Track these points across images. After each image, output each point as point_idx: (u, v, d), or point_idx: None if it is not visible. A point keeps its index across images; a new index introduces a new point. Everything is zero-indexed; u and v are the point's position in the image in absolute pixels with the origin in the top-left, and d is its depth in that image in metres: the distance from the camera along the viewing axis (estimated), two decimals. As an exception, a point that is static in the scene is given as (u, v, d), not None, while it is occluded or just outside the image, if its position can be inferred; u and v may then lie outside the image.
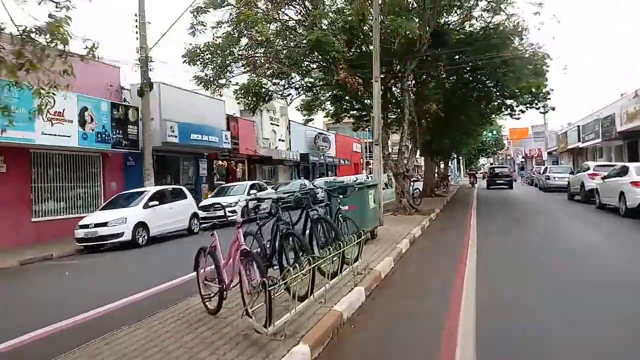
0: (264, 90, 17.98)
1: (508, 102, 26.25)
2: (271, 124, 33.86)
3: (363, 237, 6.97)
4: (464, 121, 27.03)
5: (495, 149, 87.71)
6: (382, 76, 17.01)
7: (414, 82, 19.48)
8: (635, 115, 23.65)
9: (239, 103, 19.39)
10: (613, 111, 27.48)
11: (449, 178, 41.77)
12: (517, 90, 21.04)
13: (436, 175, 32.12)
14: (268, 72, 17.31)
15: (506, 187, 34.67)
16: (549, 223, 14.04)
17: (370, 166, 74.34)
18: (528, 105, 25.43)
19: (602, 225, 13.24)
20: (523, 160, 76.98)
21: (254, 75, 17.76)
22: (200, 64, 16.44)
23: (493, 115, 28.98)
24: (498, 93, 23.08)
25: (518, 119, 28.26)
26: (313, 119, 24.80)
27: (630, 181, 14.23)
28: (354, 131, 24.38)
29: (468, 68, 20.48)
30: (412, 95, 19.38)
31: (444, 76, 19.40)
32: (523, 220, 14.75)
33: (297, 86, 18.45)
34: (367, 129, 25.29)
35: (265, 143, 32.77)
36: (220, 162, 27.80)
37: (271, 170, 34.35)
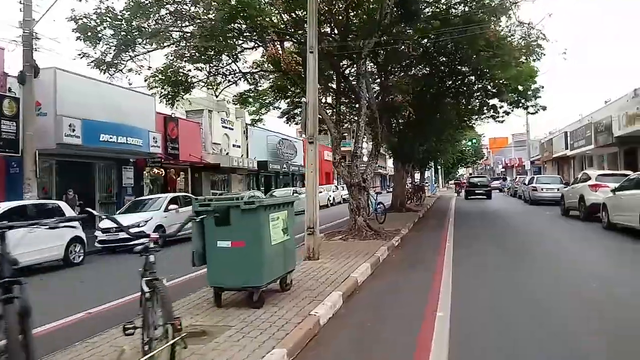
0: (182, 76, 13.96)
1: (491, 102, 22.76)
2: (223, 126, 29.78)
3: (175, 338, 3.00)
4: (440, 123, 23.35)
5: (474, 158, 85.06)
6: (334, 57, 13.20)
7: (376, 69, 15.68)
8: (636, 118, 20.26)
9: (152, 94, 15.31)
10: (609, 114, 24.13)
11: (425, 189, 38.12)
12: (503, 82, 17.40)
13: (410, 185, 28.35)
14: (187, 53, 13.38)
15: (485, 197, 33.99)
16: (556, 257, 10.22)
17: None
18: (514, 105, 21.90)
19: (626, 259, 9.49)
20: (503, 170, 74.19)
21: (171, 58, 13.82)
22: (94, 39, 12.37)
23: (474, 118, 25.38)
24: (480, 85, 19.44)
25: (502, 122, 24.73)
26: (262, 119, 20.82)
27: (659, 195, 10.54)
28: (285, 121, 20.22)
29: (443, 51, 16.79)
30: (374, 85, 15.59)
31: (413, 61, 15.63)
32: (516, 249, 10.92)
33: (227, 72, 14.47)
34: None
35: (216, 148, 28.65)
36: (155, 171, 23.59)
37: (224, 180, 30.21)
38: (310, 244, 8.91)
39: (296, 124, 21.71)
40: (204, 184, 26.91)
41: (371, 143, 13.98)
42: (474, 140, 64.39)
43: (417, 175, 43.19)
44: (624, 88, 40.20)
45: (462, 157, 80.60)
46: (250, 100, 15.65)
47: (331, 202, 34.66)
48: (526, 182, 29.87)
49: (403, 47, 14.07)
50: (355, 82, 13.05)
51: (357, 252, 9.74)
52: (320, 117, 14.17)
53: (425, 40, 16.51)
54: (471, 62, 15.31)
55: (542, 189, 25.39)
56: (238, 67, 14.53)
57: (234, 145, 30.74)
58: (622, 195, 12.39)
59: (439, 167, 67.09)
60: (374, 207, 16.24)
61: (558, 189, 24.93)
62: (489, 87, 20.35)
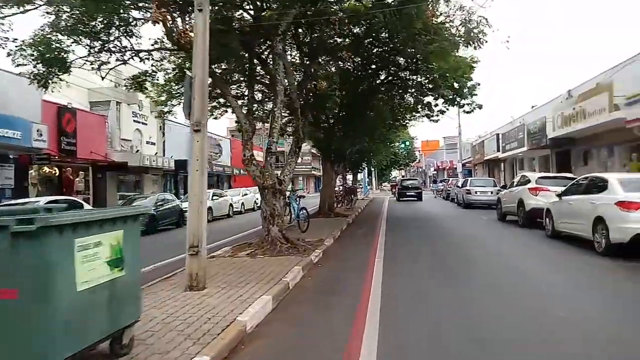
0: (57, 52, 11.10)
1: (426, 99, 21.33)
2: (135, 121, 26.57)
3: None
4: (372, 121, 21.62)
5: (407, 160, 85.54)
6: (247, 34, 10.91)
7: (299, 54, 13.54)
8: (572, 118, 19.49)
9: (19, 73, 12.27)
10: (543, 114, 23.47)
11: (358, 191, 36.60)
12: (440, 75, 15.88)
13: (340, 188, 26.52)
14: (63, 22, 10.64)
15: (415, 199, 34.91)
16: (505, 273, 8.50)
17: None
18: (449, 103, 20.52)
19: (583, 276, 7.89)
20: (435, 172, 74.84)
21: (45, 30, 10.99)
22: None
23: (408, 116, 23.91)
24: (415, 81, 17.86)
25: (436, 121, 23.37)
26: (173, 112, 18.11)
27: (616, 201, 9.10)
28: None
29: (376, 41, 15.00)
30: (297, 75, 13.48)
31: (342, 46, 13.65)
32: (457, 269, 9.13)
33: (115, 48, 11.74)
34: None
35: (125, 145, 25.42)
36: (47, 169, 20.20)
37: (136, 181, 26.97)
38: (193, 268, 6.57)
39: (215, 118, 19.13)
40: (110, 185, 23.63)
41: (291, 138, 11.88)
42: (407, 143, 64.30)
43: (351, 177, 41.68)
44: (558, 89, 40.57)
45: (395, 159, 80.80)
46: (148, 85, 13.00)
47: (258, 205, 32.35)
48: (460, 184, 28.96)
49: (328, 29, 12.07)
50: (271, 64, 10.81)
51: (261, 276, 7.50)
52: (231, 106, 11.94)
53: (357, 28, 14.72)
54: (407, 49, 13.52)
55: (476, 192, 24.39)
56: (130, 43, 11.85)
57: (147, 142, 27.57)
58: (571, 201, 10.99)
59: (372, 168, 66.42)
60: (296, 214, 14.11)
61: (492, 192, 24.07)
62: (425, 82, 18.87)
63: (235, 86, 15.18)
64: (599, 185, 10.11)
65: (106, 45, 11.72)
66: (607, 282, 7.45)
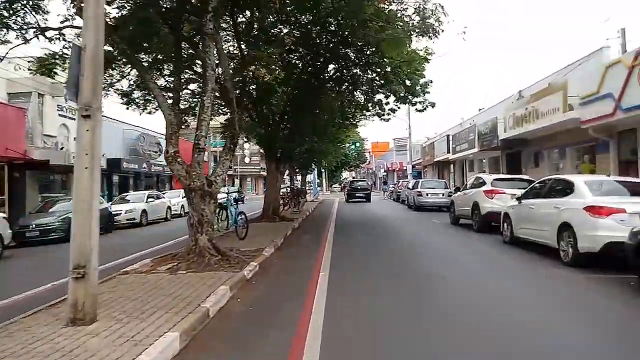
0: None
1: (377, 97, 20.37)
2: (61, 115, 24.11)
3: None
4: (321, 119, 20.42)
5: (358, 162, 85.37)
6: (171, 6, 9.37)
7: (236, 39, 12.05)
8: (524, 119, 19.00)
9: None
10: (495, 115, 23.02)
11: (307, 193, 35.37)
12: (392, 69, 14.88)
13: (287, 190, 25.13)
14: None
15: (364, 200, 35.17)
16: (465, 290, 7.40)
17: (236, 178, 66.14)
18: (401, 101, 19.63)
19: (553, 291, 6.90)
20: (385, 174, 74.87)
21: None
22: None
23: (358, 115, 22.85)
24: (367, 76, 16.81)
25: (387, 120, 22.46)
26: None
27: (584, 206, 8.22)
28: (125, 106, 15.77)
29: (325, 32, 13.81)
30: (230, 58, 12.01)
31: (284, 31, 12.30)
32: (412, 280, 7.99)
33: (18, 26, 9.86)
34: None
35: (49, 142, 22.98)
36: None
37: (63, 181, 24.49)
38: (79, 296, 5.01)
39: (149, 112, 17.18)
40: (30, 185, 21.19)
41: (226, 134, 10.44)
42: (357, 144, 63.85)
43: (299, 178, 40.40)
44: (510, 88, 40.80)
45: (346, 160, 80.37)
46: (58, 69, 11.12)
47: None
48: (410, 186, 28.26)
49: (267, 11, 10.70)
50: (200, 45, 9.30)
51: (175, 300, 6.02)
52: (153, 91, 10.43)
53: (303, 16, 13.44)
54: (357, 39, 12.36)
55: (427, 194, 23.68)
56: (36, 18, 10.00)
57: (75, 139, 25.13)
58: (532, 205, 10.11)
59: (322, 169, 65.48)
60: (233, 219, 12.62)
61: (443, 194, 23.44)
62: (376, 78, 17.86)
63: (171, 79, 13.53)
64: (564, 188, 9.25)
65: (4, 19, 9.84)
66: (583, 300, 6.46)
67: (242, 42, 11.32)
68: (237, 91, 10.88)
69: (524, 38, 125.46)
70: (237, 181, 66.50)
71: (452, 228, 15.83)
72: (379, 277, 7.96)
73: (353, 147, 61.38)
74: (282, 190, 31.11)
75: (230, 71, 10.34)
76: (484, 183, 14.38)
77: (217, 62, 9.78)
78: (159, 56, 10.66)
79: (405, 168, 65.04)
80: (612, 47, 15.69)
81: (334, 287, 7.12)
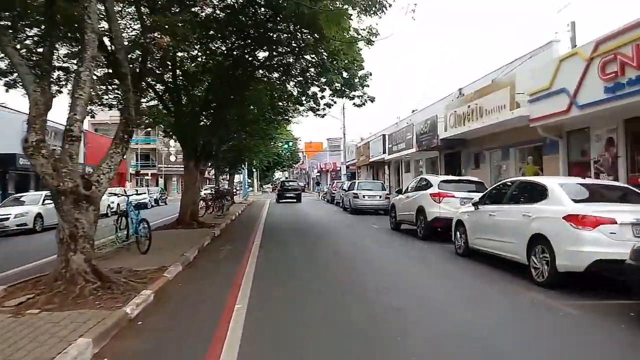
0: None
1: (311, 90, 18.53)
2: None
3: None
4: (250, 112, 18.26)
5: (291, 162, 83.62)
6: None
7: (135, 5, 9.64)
8: (467, 117, 17.86)
9: None
10: (434, 113, 21.86)
11: (234, 194, 32.91)
12: (328, 52, 13.07)
13: (209, 192, 22.66)
14: None
15: (295, 200, 35.09)
16: (419, 318, 5.61)
17: (147, 177, 61.69)
18: (338, 94, 17.88)
19: (529, 324, 5.25)
20: (318, 174, 73.53)
21: None
22: None
23: (291, 109, 20.84)
24: (301, 55, 14.85)
25: (323, 116, 20.65)
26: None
27: (564, 215, 6.71)
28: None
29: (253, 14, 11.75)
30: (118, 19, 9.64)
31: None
32: (353, 310, 6.14)
33: None
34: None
35: None
36: None
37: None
38: None
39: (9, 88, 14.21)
40: None
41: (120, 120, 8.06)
42: (290, 143, 61.97)
43: (227, 178, 37.73)
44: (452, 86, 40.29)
45: (278, 160, 78.29)
46: None
47: (113, 209, 27.39)
48: (345, 187, 26.69)
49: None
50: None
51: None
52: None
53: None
54: (289, 11, 10.35)
55: (364, 196, 22.14)
56: None
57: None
58: (493, 212, 8.56)
59: (254, 169, 62.98)
60: (133, 228, 10.19)
61: (380, 196, 22.03)
62: (311, 68, 16.02)
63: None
64: (534, 193, 7.75)
65: None
66: (581, 343, 4.84)
67: (142, 5, 8.96)
68: (134, 65, 8.52)
69: (466, 36, 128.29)
70: (161, 181, 62.47)
71: (393, 234, 14.24)
72: (314, 309, 6.00)
73: (286, 146, 59.36)
74: (205, 191, 28.63)
75: (122, 37, 7.97)
76: (429, 185, 12.86)
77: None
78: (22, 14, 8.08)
79: (339, 168, 64.10)
80: (562, 42, 14.76)
81: (252, 329, 5.07)
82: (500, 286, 7.26)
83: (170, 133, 17.57)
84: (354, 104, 17.66)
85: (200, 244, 11.47)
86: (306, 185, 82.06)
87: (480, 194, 12.01)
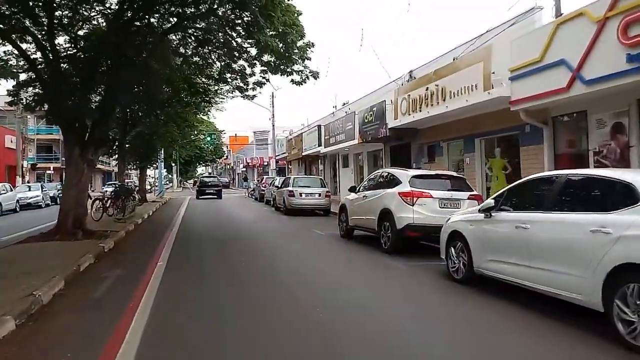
0: None
1: (238, 64, 15.09)
2: None
3: None
4: (157, 84, 14.37)
5: (214, 156, 78.79)
6: None
7: None
8: (425, 102, 15.15)
9: None
10: (381, 99, 19.03)
11: (146, 191, 28.37)
12: (258, 7, 9.67)
13: (114, 189, 18.36)
14: None
15: (215, 197, 34.20)
16: None
17: (50, 171, 54.22)
18: (272, 70, 14.51)
19: None
20: (244, 169, 69.45)
21: None
22: None
23: (213, 88, 17.08)
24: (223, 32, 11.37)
25: (252, 98, 17.18)
26: None
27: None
28: None
29: None
30: None
31: None
32: None
33: None
34: None
35: None
36: None
37: None
38: None
39: None
40: None
41: None
42: (214, 136, 57.55)
43: (139, 173, 32.89)
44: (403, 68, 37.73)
45: (200, 155, 73.20)
46: None
47: (21, 204, 22.79)
48: (278, 184, 23.29)
49: None
50: None
51: None
52: None
53: None
54: None
55: (301, 195, 18.89)
56: None
57: None
58: (529, 223, 5.54)
59: (172, 163, 57.85)
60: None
61: (320, 194, 18.94)
62: (235, 35, 12.59)
63: None
64: (613, 194, 4.83)
65: None
66: None
67: None
68: None
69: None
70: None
71: (347, 245, 11.12)
72: None
73: (209, 138, 54.95)
74: (105, 189, 24.13)
75: None
76: (396, 182, 9.80)
77: None
78: None
79: (266, 163, 60.54)
80: (545, 10, 12.31)
81: None
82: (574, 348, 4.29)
83: (37, 106, 12.98)
84: (292, 81, 14.33)
85: (72, 268, 7.65)
86: (231, 182, 77.54)
87: (463, 193, 9.26)
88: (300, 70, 14.12)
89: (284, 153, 39.47)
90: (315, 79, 14.04)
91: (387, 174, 10.67)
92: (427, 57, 24.77)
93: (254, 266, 8.50)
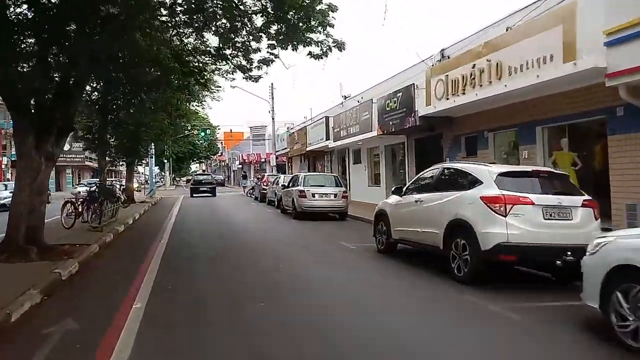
0: None
1: (239, 39, 12.31)
2: None
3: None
4: (140, 69, 11.49)
5: (208, 153, 75.77)
6: None
7: None
8: (470, 82, 12.38)
9: None
10: (406, 83, 16.20)
11: (134, 190, 25.38)
12: None
13: (91, 190, 15.34)
14: None
15: (210, 194, 34.04)
16: None
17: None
18: (282, 44, 11.63)
19: None
20: (240, 166, 66.47)
21: None
22: None
23: (210, 66, 14.13)
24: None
25: (257, 80, 14.15)
26: None
27: None
28: None
29: None
30: None
31: None
32: None
33: None
34: None
35: None
36: None
37: None
38: None
39: None
40: None
41: None
42: (208, 131, 54.56)
43: (127, 170, 29.82)
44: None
45: (194, 151, 70.09)
46: None
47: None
48: (283, 182, 20.40)
49: None
50: None
51: None
52: None
53: None
54: None
55: (314, 195, 16.03)
56: None
57: None
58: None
59: (164, 160, 54.80)
60: None
61: (336, 195, 16.16)
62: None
63: None
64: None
65: None
66: None
67: None
68: None
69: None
70: (52, 174, 52.23)
71: (392, 265, 8.27)
72: None
73: (203, 134, 51.94)
74: (79, 188, 21.14)
75: None
76: (474, 181, 6.92)
77: None
78: None
79: (263, 160, 57.60)
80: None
81: None
82: None
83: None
84: (310, 54, 11.43)
85: (-5, 321, 4.79)
86: (226, 179, 74.54)
87: (574, 198, 6.47)
88: (320, 41, 11.25)
89: (285, 148, 36.56)
90: (340, 50, 11.12)
91: (455, 169, 7.77)
92: (456, 36, 21.51)
93: (278, 312, 5.63)
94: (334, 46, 11.02)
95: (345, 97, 25.16)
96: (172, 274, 7.61)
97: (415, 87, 15.40)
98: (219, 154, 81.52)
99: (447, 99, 13.54)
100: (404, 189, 8.76)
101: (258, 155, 58.88)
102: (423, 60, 16.00)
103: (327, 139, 25.34)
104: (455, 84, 13.17)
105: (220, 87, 19.93)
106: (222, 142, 74.97)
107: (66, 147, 52.39)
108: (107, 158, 21.50)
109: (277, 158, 37.67)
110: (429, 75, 14.57)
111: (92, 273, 7.78)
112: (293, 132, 34.25)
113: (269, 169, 48.65)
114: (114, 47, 9.45)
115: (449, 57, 15.21)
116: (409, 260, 8.47)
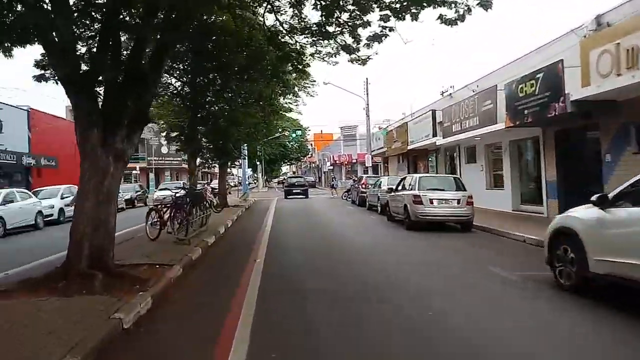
0: None
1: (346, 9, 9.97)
2: None
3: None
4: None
5: (299, 154, 75.08)
6: None
7: None
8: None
9: None
10: (545, 62, 12.91)
11: (226, 194, 23.97)
12: None
13: (169, 194, 13.64)
14: None
15: (302, 196, 35.23)
16: None
17: (136, 171, 52.62)
18: (396, 13, 9.07)
19: None
20: (331, 168, 64.71)
21: None
22: None
23: (307, 49, 11.90)
24: None
25: (364, 62, 11.66)
26: None
27: None
28: None
29: None
30: None
31: None
32: None
33: None
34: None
35: None
36: None
37: None
38: None
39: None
40: None
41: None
42: (299, 132, 53.27)
43: (219, 173, 28.78)
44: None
45: (285, 153, 69.57)
46: None
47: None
48: (389, 185, 17.75)
49: None
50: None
51: None
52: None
53: None
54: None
55: (431, 201, 13.23)
56: None
57: None
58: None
59: (257, 162, 54.43)
60: None
61: (459, 201, 13.26)
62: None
63: None
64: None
65: None
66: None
67: None
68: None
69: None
70: (151, 175, 53.79)
71: (600, 318, 5.38)
72: None
73: (294, 135, 50.74)
74: (159, 192, 19.87)
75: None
76: None
77: None
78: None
79: (354, 161, 55.26)
80: None
81: None
82: None
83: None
84: (440, 18, 8.73)
85: None
86: (317, 181, 73.20)
87: None
88: (454, 1, 8.53)
89: (381, 148, 33.84)
90: (486, 9, 8.30)
91: None
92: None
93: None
94: (478, 4, 8.23)
95: (453, 88, 22.03)
96: (272, 313, 5.34)
97: (563, 64, 12.08)
98: (309, 156, 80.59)
99: (619, 74, 10.18)
100: (611, 197, 5.80)
101: (349, 156, 56.81)
102: (572, 30, 12.62)
103: (435, 135, 22.33)
104: (633, 53, 9.81)
105: (314, 81, 17.91)
106: (312, 144, 73.81)
107: (164, 150, 54.14)
108: (197, 160, 20.20)
109: (372, 158, 35.08)
110: (589, 46, 11.23)
111: (166, 314, 5.69)
112: (391, 130, 31.44)
113: (361, 170, 46.22)
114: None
115: (608, 25, 11.78)
116: (616, 303, 5.55)
